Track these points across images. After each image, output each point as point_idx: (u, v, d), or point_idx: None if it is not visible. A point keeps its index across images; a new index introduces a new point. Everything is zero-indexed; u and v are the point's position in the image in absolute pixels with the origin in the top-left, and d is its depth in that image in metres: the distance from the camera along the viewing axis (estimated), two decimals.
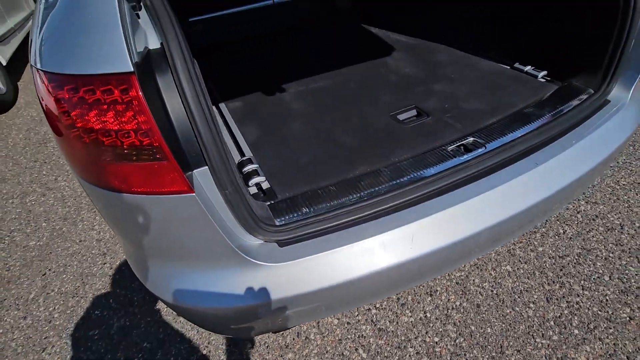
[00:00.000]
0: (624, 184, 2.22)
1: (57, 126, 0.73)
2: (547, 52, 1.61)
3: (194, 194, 0.75)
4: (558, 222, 2.04)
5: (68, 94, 0.68)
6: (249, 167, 1.23)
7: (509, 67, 1.72)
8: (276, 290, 0.91)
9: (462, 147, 1.21)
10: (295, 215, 1.02)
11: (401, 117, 1.46)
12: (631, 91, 1.36)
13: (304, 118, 1.50)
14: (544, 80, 1.59)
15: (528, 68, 1.65)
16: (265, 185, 1.18)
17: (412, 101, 1.54)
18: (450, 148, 1.20)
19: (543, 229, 2.02)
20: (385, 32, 2.27)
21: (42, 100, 0.73)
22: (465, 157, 1.16)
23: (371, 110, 1.51)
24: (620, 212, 2.05)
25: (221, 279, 0.91)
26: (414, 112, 1.49)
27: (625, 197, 2.14)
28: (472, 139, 1.23)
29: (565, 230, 1.99)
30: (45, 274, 2.08)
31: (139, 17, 0.80)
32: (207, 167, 0.80)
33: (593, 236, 1.95)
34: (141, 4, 0.79)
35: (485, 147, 1.18)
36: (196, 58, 2.09)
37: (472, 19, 1.94)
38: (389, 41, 2.15)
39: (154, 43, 0.78)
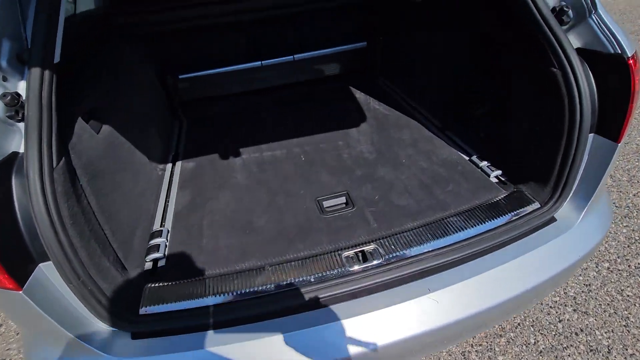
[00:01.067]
0: (628, 295, 1.89)
1: None
2: (505, 151, 1.48)
3: (20, 291, 0.82)
4: (532, 328, 1.80)
5: None
6: (154, 241, 1.29)
7: (467, 159, 1.60)
8: None
9: (359, 254, 1.15)
10: (162, 307, 1.04)
11: (326, 203, 1.43)
12: (583, 212, 1.19)
13: (237, 191, 1.54)
14: (496, 180, 1.45)
15: (484, 164, 1.51)
16: (162, 263, 1.23)
17: (347, 186, 1.50)
18: (346, 254, 1.14)
19: (511, 334, 1.79)
20: (368, 98, 2.26)
21: None
22: (355, 268, 1.09)
23: (303, 191, 1.50)
24: (612, 331, 1.75)
25: None
26: (342, 200, 1.45)
27: (626, 312, 1.82)
28: (374, 245, 1.16)
29: (537, 341, 1.74)
30: None
31: (22, 121, 0.91)
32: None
33: (569, 355, 1.68)
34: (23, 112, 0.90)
35: (383, 259, 1.11)
36: (180, 111, 2.26)
37: (452, 101, 1.85)
38: (366, 109, 2.13)
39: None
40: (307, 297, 1.02)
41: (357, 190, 1.47)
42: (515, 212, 1.23)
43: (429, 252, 1.12)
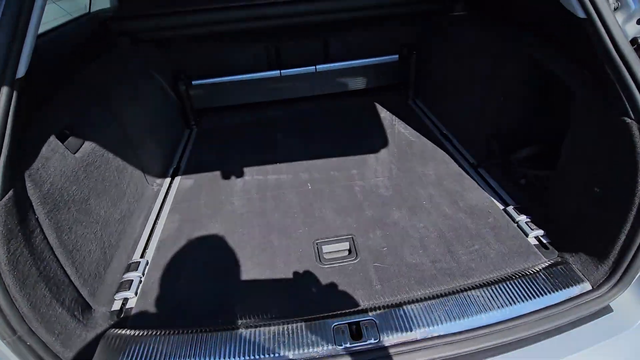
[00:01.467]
0: None
1: None
2: (551, 207, 1.19)
3: None
4: None
5: None
6: (127, 275, 1.15)
7: (501, 208, 1.33)
8: None
9: (353, 328, 0.94)
10: None
11: (326, 249, 1.22)
12: None
13: (230, 222, 1.38)
14: (535, 242, 1.17)
15: (522, 219, 1.24)
16: (131, 304, 1.09)
17: (353, 230, 1.29)
18: (336, 324, 0.94)
19: None
20: (394, 119, 2.02)
21: None
22: (345, 346, 0.89)
23: (302, 230, 1.31)
24: None
25: None
26: (345, 246, 1.24)
27: None
28: (371, 318, 0.95)
29: None
30: None
31: None
32: None
33: None
34: None
35: (380, 340, 0.89)
36: (192, 120, 2.13)
37: (490, 135, 1.57)
38: (390, 132, 1.89)
39: None
40: None
41: (364, 236, 1.26)
42: (558, 293, 0.97)
43: (439, 337, 0.89)
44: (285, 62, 2.11)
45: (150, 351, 0.93)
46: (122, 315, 1.06)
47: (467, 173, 1.54)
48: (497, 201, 1.37)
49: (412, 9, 2.04)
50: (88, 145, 1.20)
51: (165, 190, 1.59)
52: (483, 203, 1.36)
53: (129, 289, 1.11)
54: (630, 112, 0.87)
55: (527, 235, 1.20)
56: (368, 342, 0.90)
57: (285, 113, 2.22)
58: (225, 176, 1.65)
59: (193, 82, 2.08)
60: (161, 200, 1.53)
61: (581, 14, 0.92)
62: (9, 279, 0.78)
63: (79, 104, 1.22)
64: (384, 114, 2.10)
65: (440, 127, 1.91)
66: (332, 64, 2.13)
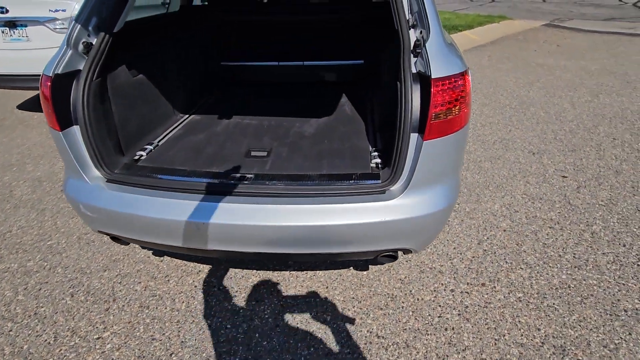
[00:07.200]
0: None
1: None
2: (389, 146, 1.89)
3: (60, 132, 1.65)
4: None
5: None
6: (145, 146, 2.11)
7: (371, 149, 2.06)
8: (104, 201, 1.67)
9: (243, 176, 1.75)
10: (123, 172, 1.81)
11: (253, 153, 2.06)
12: (402, 193, 1.56)
13: (209, 134, 2.28)
14: (373, 165, 1.88)
15: (374, 154, 1.97)
16: (142, 158, 2.03)
17: (274, 146, 2.12)
18: (232, 175, 1.77)
19: None
20: (347, 102, 2.81)
21: None
22: (231, 181, 1.72)
23: (245, 142, 2.16)
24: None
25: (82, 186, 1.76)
26: (264, 153, 2.06)
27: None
28: (253, 175, 1.76)
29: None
30: None
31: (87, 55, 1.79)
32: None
33: None
34: None
35: (249, 182, 1.70)
36: (215, 87, 3.16)
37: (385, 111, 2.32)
38: (338, 110, 2.67)
39: None
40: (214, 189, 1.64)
41: (278, 148, 2.09)
42: (359, 181, 1.68)
43: (270, 186, 1.66)
44: (283, 57, 3.10)
45: (143, 171, 1.83)
46: (136, 162, 1.99)
47: (367, 133, 2.27)
48: (371, 146, 2.09)
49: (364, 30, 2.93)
50: (142, 75, 2.19)
51: (183, 119, 2.57)
52: (360, 145, 2.10)
53: (143, 152, 2.05)
54: (400, 78, 1.55)
55: (370, 161, 1.91)
56: (244, 182, 1.69)
57: (277, 90, 3.19)
58: (220, 116, 2.59)
59: (221, 63, 3.13)
60: (180, 122, 2.51)
61: (397, 27, 1.65)
62: (93, 114, 1.72)
63: (145, 50, 2.22)
64: (343, 99, 2.92)
65: (372, 108, 2.69)
66: (313, 62, 3.09)
